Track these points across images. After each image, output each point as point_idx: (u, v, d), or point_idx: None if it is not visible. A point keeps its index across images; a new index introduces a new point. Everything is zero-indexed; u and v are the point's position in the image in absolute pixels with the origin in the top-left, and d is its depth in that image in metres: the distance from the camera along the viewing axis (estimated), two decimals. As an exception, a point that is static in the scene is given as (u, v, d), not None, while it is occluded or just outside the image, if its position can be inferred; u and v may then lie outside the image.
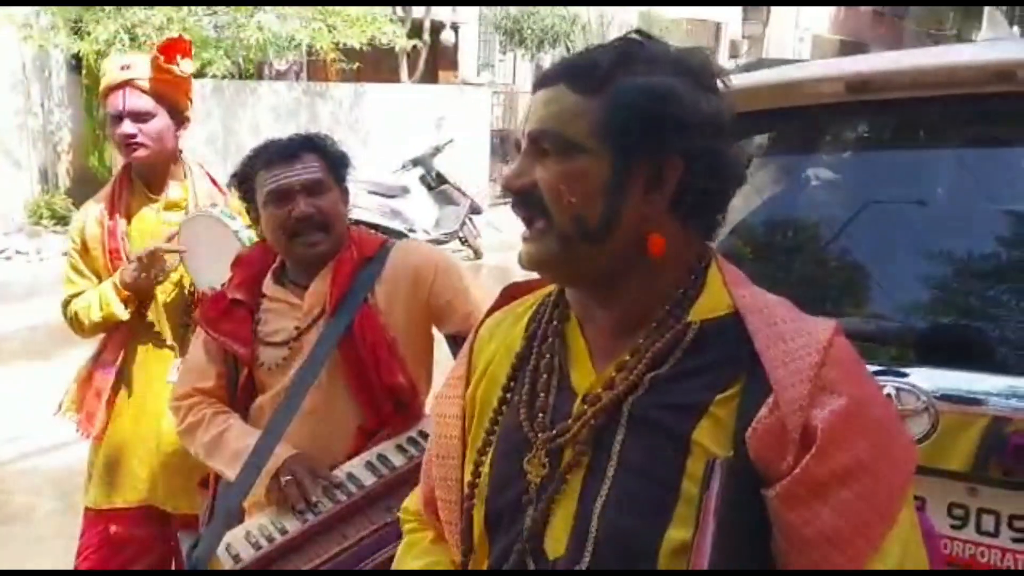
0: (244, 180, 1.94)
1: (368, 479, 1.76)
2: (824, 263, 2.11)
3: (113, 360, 2.42)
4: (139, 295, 2.35)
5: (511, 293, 1.20)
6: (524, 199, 0.97)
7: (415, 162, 9.43)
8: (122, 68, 2.33)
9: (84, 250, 2.43)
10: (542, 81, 0.99)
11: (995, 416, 1.56)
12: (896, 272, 1.92)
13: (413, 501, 1.26)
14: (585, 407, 0.96)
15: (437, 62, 14.88)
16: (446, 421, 1.12)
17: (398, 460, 1.79)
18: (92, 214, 2.44)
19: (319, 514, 1.73)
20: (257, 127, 9.94)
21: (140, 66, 2.34)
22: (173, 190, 2.46)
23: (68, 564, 3.31)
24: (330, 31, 9.43)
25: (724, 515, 0.81)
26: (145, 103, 2.33)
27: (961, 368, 1.66)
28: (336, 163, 1.94)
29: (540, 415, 0.99)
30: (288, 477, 1.77)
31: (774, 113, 2.07)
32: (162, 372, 2.44)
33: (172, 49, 2.33)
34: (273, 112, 10.22)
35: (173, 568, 2.60)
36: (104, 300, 2.33)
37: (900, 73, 1.81)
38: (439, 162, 9.51)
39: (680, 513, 0.87)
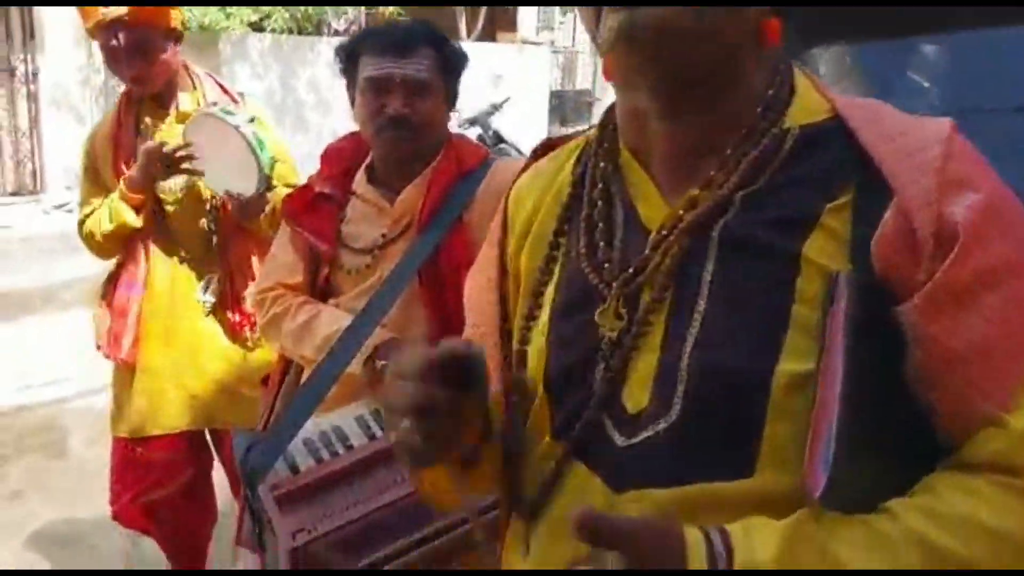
0: (348, 57, 1.84)
1: None
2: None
3: (132, 277, 2.35)
4: (146, 194, 2.27)
5: (544, 149, 1.04)
6: None
7: (472, 121, 9.27)
8: (103, 13, 2.19)
9: (94, 170, 2.37)
10: None
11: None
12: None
13: None
14: (664, 233, 0.82)
15: (496, 20, 14.67)
16: (481, 286, 1.02)
17: None
18: (102, 133, 2.38)
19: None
20: (316, 84, 9.90)
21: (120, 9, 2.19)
22: (183, 101, 2.37)
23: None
24: (390, -14, 9.30)
25: (853, 336, 0.69)
26: (138, 36, 2.20)
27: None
28: (450, 65, 1.83)
29: (607, 263, 0.85)
30: (384, 362, 1.68)
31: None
32: (188, 291, 2.38)
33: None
34: (331, 69, 10.12)
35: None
36: (114, 210, 2.27)
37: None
38: (496, 121, 9.37)
39: (793, 343, 0.74)
